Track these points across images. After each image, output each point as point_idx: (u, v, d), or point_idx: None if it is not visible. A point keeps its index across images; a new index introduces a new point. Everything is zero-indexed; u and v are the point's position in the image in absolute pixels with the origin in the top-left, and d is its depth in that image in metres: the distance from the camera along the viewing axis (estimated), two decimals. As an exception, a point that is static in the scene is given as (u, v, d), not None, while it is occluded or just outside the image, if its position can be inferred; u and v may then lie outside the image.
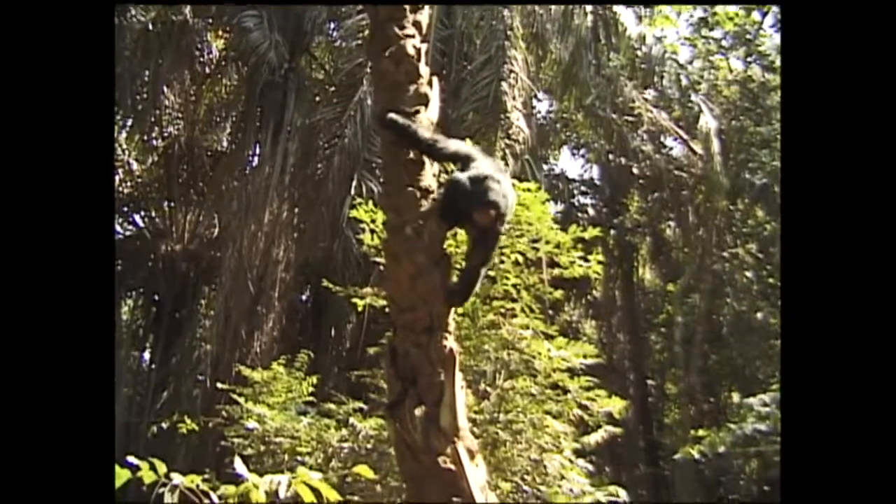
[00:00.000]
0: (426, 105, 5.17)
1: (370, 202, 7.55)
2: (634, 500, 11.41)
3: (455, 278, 5.14)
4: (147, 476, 3.96)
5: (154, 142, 17.04)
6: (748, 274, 16.09)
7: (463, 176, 4.93)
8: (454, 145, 5.15)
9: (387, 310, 6.15)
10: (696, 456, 10.38)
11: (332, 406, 8.34)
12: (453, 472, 4.71)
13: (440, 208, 5.01)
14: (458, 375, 4.93)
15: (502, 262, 7.21)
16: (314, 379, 9.11)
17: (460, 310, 6.78)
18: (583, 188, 19.94)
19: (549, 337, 7.40)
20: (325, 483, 4.27)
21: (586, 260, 7.38)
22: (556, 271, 7.52)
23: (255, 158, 15.03)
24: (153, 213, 17.47)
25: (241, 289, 13.15)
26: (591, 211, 19.37)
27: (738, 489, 14.67)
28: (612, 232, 18.38)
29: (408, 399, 4.82)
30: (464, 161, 5.06)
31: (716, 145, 15.18)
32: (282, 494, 4.13)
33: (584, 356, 7.32)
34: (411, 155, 5.17)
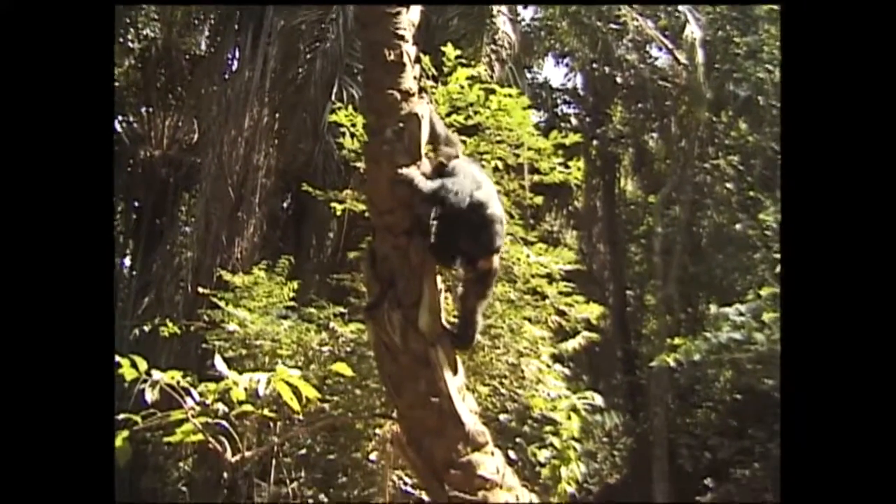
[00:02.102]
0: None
1: (351, 107, 7.47)
2: (610, 406, 11.61)
3: (455, 321, 5.11)
4: (128, 373, 4.01)
5: (130, 44, 16.67)
6: (729, 186, 16.12)
7: (463, 208, 4.76)
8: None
9: (366, 214, 6.16)
10: (672, 364, 10.54)
11: (313, 311, 8.40)
12: (431, 374, 4.78)
13: (436, 246, 4.87)
14: (438, 278, 4.96)
15: (483, 167, 7.18)
16: (295, 284, 9.15)
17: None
18: (566, 97, 19.74)
19: (528, 243, 7.44)
20: (305, 382, 4.34)
21: (567, 166, 7.37)
22: (537, 177, 7.52)
23: (235, 62, 14.79)
24: (131, 118, 17.21)
25: (222, 195, 13.09)
26: (573, 121, 19.20)
27: (711, 397, 14.96)
28: (595, 142, 18.30)
29: (387, 301, 4.86)
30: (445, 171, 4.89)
31: (700, 55, 15.03)
32: (261, 392, 4.19)
33: (564, 262, 7.36)
34: (392, 57, 5.11)
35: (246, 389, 4.19)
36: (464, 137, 7.15)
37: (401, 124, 4.96)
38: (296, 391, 4.27)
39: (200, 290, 9.58)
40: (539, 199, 7.93)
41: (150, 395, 4.12)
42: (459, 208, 4.74)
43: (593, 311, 7.48)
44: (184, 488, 10.71)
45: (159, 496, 10.63)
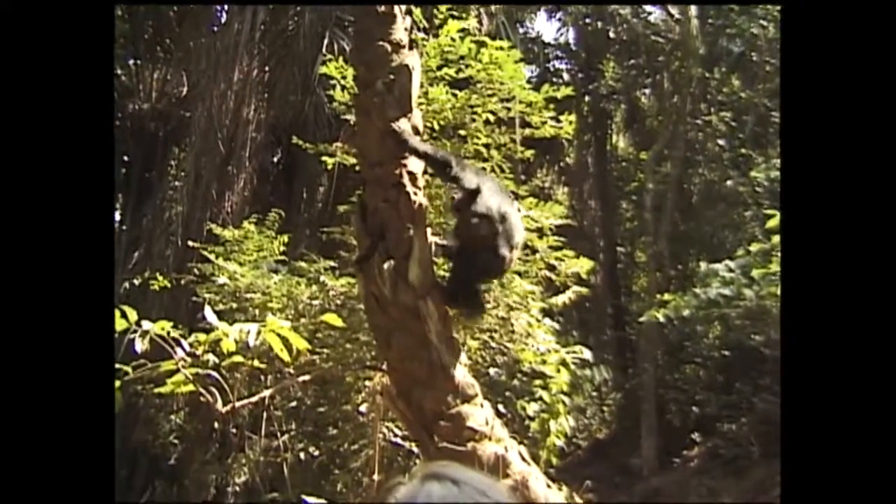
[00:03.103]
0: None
1: (341, 59, 7.41)
2: (599, 362, 11.70)
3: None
4: (118, 324, 4.00)
5: (118, -5, 16.45)
6: (721, 142, 16.09)
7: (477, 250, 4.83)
8: (471, 178, 4.89)
9: (357, 167, 6.14)
10: (661, 319, 10.57)
11: (303, 264, 8.40)
12: (421, 325, 4.80)
13: (449, 290, 4.98)
14: (428, 231, 4.96)
15: (473, 120, 7.16)
16: (285, 238, 9.14)
17: (430, 169, 6.77)
18: (558, 52, 19.60)
19: (519, 197, 7.43)
20: (295, 333, 4.35)
21: (558, 121, 7.34)
22: (528, 131, 7.49)
23: (224, 14, 14.60)
24: (119, 71, 17.00)
25: (212, 149, 13.00)
26: (566, 76, 19.09)
27: (700, 353, 15.07)
28: (587, 98, 18.21)
29: (377, 253, 4.87)
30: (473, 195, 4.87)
31: (694, 10, 14.93)
32: (251, 343, 4.20)
33: (554, 217, 7.36)
34: (383, 9, 5.07)
35: (236, 340, 4.19)
36: (455, 91, 7.11)
37: (391, 76, 4.94)
38: (286, 342, 4.28)
39: (190, 243, 9.56)
40: (530, 153, 7.91)
41: (140, 345, 4.12)
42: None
43: (583, 265, 7.49)
44: (175, 441, 10.77)
45: (150, 448, 10.69)
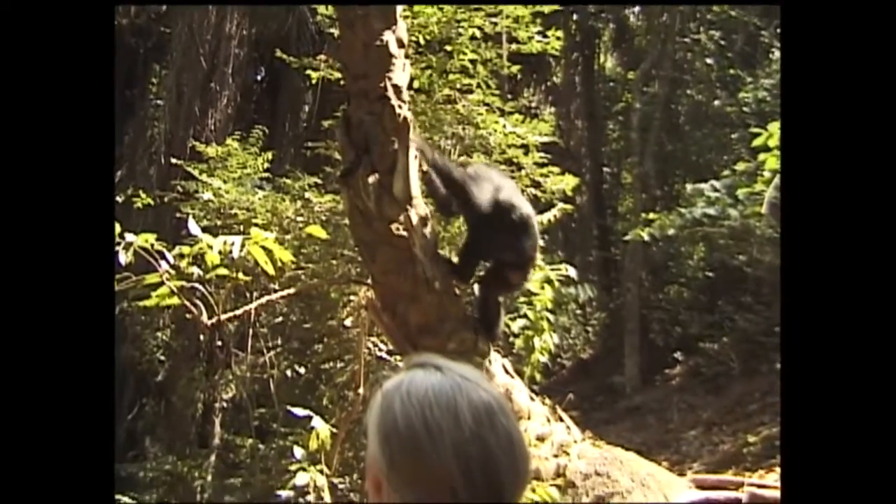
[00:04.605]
0: None
1: (324, -29, 7.26)
2: (584, 281, 11.75)
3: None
4: (100, 235, 3.98)
5: None
6: (708, 61, 15.94)
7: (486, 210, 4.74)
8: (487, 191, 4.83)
9: (342, 82, 6.06)
10: (646, 238, 10.63)
11: (288, 181, 8.35)
12: (405, 239, 4.80)
13: (461, 269, 4.96)
14: (412, 144, 4.93)
15: (459, 35, 7.06)
16: (269, 155, 9.06)
17: (416, 84, 6.71)
18: (546, -32, 19.24)
19: (505, 114, 7.38)
20: (279, 245, 4.35)
21: (545, 36, 7.25)
22: (514, 47, 7.40)
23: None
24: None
25: (194, 65, 12.80)
26: (554, -8, 18.75)
27: (683, 273, 15.20)
28: (575, 16, 17.94)
29: (361, 167, 4.84)
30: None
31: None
32: (235, 254, 4.20)
33: (541, 134, 7.32)
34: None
35: (220, 252, 4.20)
36: (441, 5, 7.00)
37: (375, -13, 4.85)
38: (270, 255, 4.29)
39: (174, 161, 9.47)
40: (516, 69, 7.83)
41: (124, 258, 4.12)
42: (482, 210, 4.74)
43: (569, 182, 7.47)
44: (162, 358, 10.87)
45: (137, 366, 10.78)
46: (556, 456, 5.16)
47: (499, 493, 1.24)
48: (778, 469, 6.28)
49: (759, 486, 5.18)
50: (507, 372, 5.36)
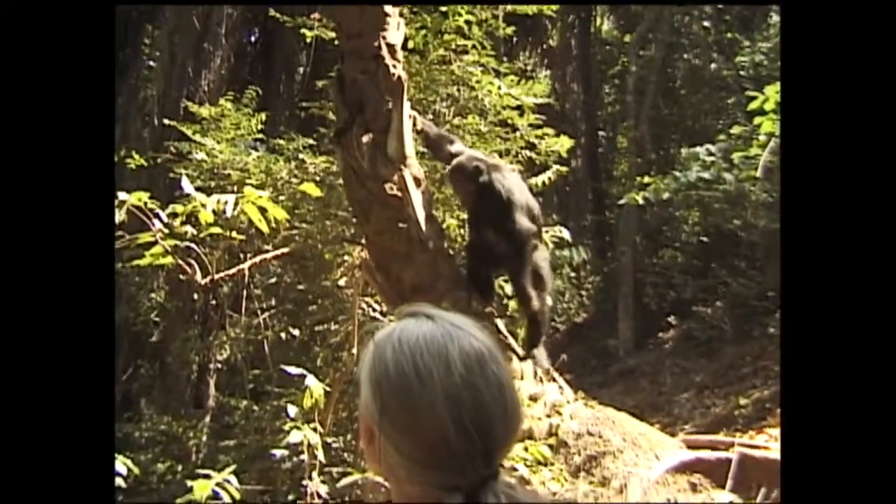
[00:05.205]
0: None
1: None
2: (577, 243, 11.74)
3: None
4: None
5: None
6: (706, 24, 15.83)
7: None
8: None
9: (336, 41, 6.02)
10: (641, 202, 10.63)
11: (282, 142, 8.30)
12: (399, 199, 4.80)
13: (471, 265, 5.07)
14: (406, 104, 4.91)
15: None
16: (263, 116, 9.00)
17: (410, 44, 6.65)
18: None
19: (500, 74, 7.33)
20: (273, 203, 4.34)
21: (541, -6, 7.20)
22: (510, 8, 7.34)
23: None
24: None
25: (186, 26, 12.69)
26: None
27: (678, 237, 15.21)
28: (572, -21, 17.81)
29: (355, 126, 4.84)
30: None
31: None
32: (229, 213, 4.19)
33: (536, 95, 7.28)
34: None
35: (214, 211, 4.18)
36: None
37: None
38: (264, 214, 4.27)
39: (167, 122, 9.40)
40: (511, 30, 7.78)
41: (118, 216, 4.11)
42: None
43: (564, 144, 7.44)
44: (156, 319, 10.87)
45: (132, 326, 10.79)
46: (548, 416, 5.19)
47: (489, 439, 1.25)
48: (768, 430, 6.34)
49: (750, 447, 5.21)
50: (500, 333, 5.38)
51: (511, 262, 5.19)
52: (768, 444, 5.50)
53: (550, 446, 4.98)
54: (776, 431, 6.14)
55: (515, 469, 4.39)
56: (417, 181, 4.85)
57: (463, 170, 4.86)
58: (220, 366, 10.48)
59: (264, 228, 4.26)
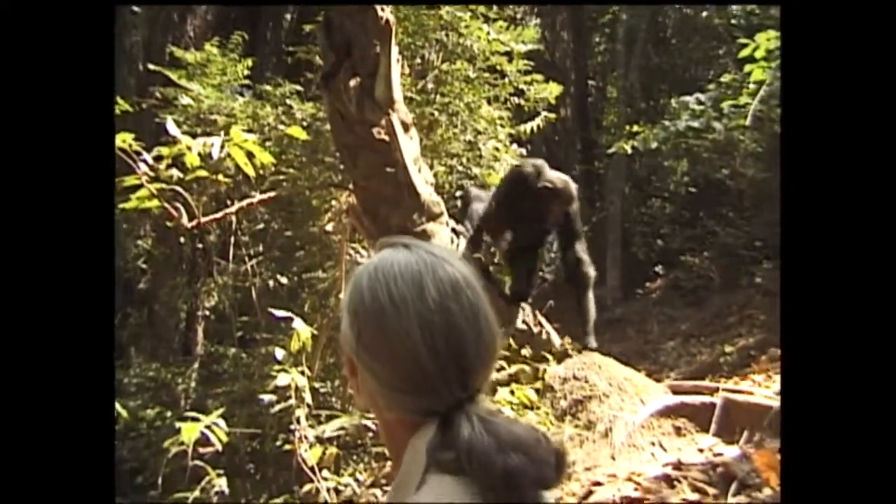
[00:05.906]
0: None
1: None
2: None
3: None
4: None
5: None
6: (697, -28, 15.69)
7: None
8: None
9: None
10: (630, 151, 10.61)
11: (269, 88, 8.23)
12: (387, 143, 4.78)
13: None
14: (395, 48, 4.86)
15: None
16: (249, 61, 8.90)
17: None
18: None
19: (489, 20, 7.26)
20: (260, 146, 4.31)
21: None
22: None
23: None
24: None
25: (172, -31, 12.50)
26: None
27: (666, 188, 15.22)
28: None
29: (342, 70, 4.79)
30: None
31: None
32: (215, 155, 4.16)
33: (525, 41, 7.22)
34: None
35: (200, 154, 4.16)
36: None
37: None
38: (250, 157, 4.25)
39: (152, 67, 9.29)
40: (501, -24, 7.70)
41: (102, 159, 4.07)
42: None
43: (552, 90, 7.40)
44: (144, 266, 10.83)
45: (122, 272, 10.75)
46: (535, 360, 5.23)
47: (463, 362, 1.26)
48: (753, 377, 6.40)
49: (734, 392, 5.27)
50: (488, 279, 5.40)
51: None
52: (752, 389, 5.55)
53: (536, 390, 5.03)
54: (760, 378, 6.21)
55: (501, 412, 4.42)
56: (405, 126, 4.82)
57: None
58: (208, 313, 10.48)
59: (251, 172, 4.24)
